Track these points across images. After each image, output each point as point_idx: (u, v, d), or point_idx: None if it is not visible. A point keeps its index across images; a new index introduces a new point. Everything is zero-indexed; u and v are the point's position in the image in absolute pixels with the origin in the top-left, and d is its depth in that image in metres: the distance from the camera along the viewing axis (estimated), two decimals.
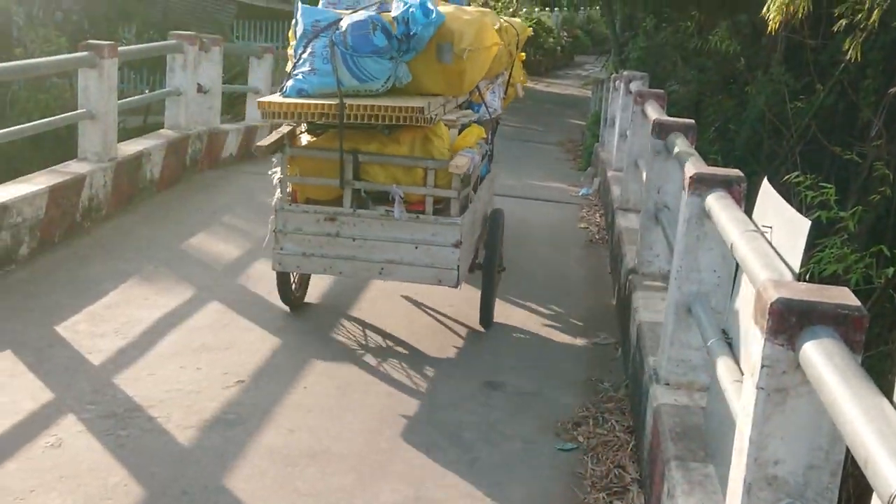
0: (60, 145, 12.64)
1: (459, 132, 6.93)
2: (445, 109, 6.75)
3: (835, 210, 8.95)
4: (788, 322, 2.69)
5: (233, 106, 16.95)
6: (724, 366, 3.69)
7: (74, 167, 8.76)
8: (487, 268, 7.13)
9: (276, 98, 6.37)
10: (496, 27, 7.55)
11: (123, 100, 10.56)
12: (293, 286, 7.16)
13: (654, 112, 7.82)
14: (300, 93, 6.30)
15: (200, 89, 11.89)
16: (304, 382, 5.82)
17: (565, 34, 46.24)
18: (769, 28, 10.70)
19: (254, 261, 8.30)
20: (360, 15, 6.40)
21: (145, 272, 7.68)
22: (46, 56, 13.52)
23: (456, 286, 6.60)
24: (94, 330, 6.35)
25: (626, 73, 12.40)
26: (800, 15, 10.35)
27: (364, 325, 6.94)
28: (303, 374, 5.95)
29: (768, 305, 2.72)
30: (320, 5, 7.02)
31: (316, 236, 6.57)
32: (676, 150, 5.93)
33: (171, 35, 11.68)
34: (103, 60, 8.98)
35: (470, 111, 7.55)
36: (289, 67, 6.67)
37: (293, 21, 6.79)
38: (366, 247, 6.53)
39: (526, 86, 9.78)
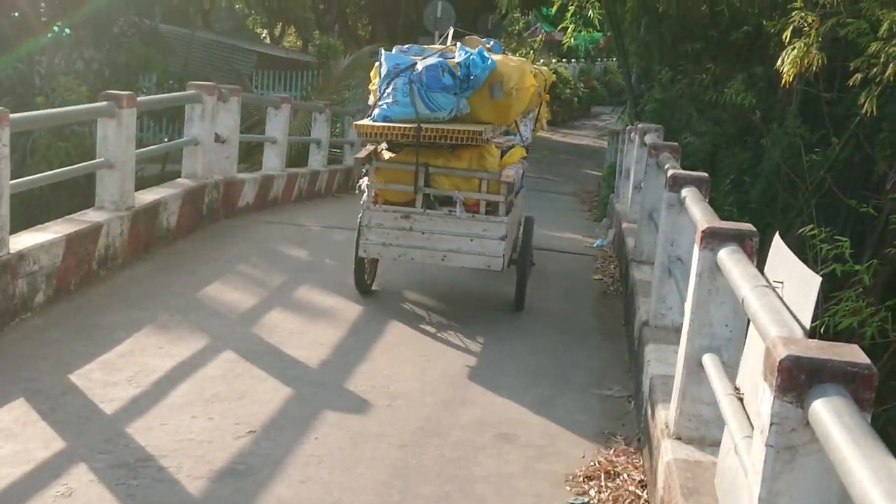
0: (80, 192, 12.75)
1: (503, 153, 8.96)
2: (495, 134, 8.86)
3: (850, 263, 8.94)
4: (798, 379, 2.69)
5: (250, 155, 17.08)
6: (734, 422, 3.67)
7: (92, 215, 8.82)
8: (521, 263, 9.12)
9: (368, 122, 8.48)
10: (532, 72, 9.53)
11: (142, 149, 10.66)
12: (366, 276, 9.12)
13: (668, 164, 7.84)
14: (385, 119, 8.40)
15: (218, 139, 12.00)
16: (316, 433, 5.81)
17: (582, 85, 46.54)
18: (784, 81, 10.74)
19: (268, 310, 8.33)
20: (432, 60, 8.51)
21: (160, 321, 7.70)
22: (67, 105, 13.66)
23: (501, 270, 8.72)
24: (108, 378, 6.36)
25: (641, 124, 12.45)
26: (814, 68, 10.41)
27: (376, 375, 6.94)
28: (315, 424, 5.94)
29: (777, 362, 2.72)
30: (394, 51, 9.01)
31: (393, 230, 8.65)
32: (689, 203, 5.94)
33: (190, 85, 11.80)
34: (122, 110, 9.07)
35: (511, 136, 9.59)
36: (371, 100, 8.98)
37: (377, 63, 8.83)
38: (433, 239, 8.61)
39: (543, 136, 12.05)
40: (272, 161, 14.50)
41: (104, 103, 9.07)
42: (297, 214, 13.53)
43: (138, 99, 9.72)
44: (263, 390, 6.44)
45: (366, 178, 8.80)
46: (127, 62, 19.55)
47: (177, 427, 5.71)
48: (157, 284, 8.77)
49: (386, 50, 8.95)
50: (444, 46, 9.37)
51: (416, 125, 8.24)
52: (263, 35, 37.87)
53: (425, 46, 9.53)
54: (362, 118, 8.99)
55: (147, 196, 10.03)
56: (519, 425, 6.25)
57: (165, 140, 19.91)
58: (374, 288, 9.28)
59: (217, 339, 7.40)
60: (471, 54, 8.61)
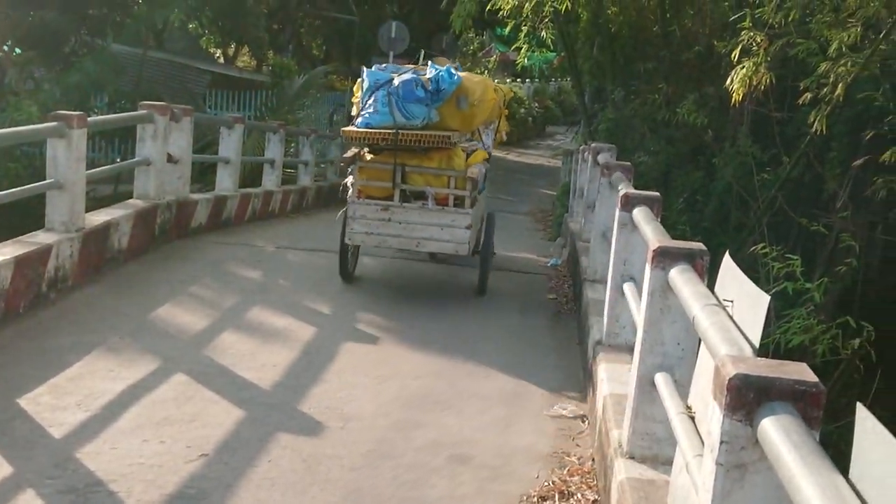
0: (31, 213, 12.60)
1: (468, 155, 10.53)
2: (461, 140, 10.48)
3: (801, 281, 9.02)
4: (746, 398, 2.69)
5: (203, 175, 16.97)
6: (686, 440, 3.68)
7: (41, 237, 8.70)
8: (484, 253, 10.78)
9: (354, 128, 10.00)
10: (493, 88, 11.21)
11: (93, 169, 10.53)
12: (350, 264, 10.66)
13: (621, 184, 7.88)
14: (368, 125, 9.90)
15: (171, 159, 11.91)
16: (269, 456, 5.75)
17: (536, 105, 46.75)
18: (733, 100, 10.85)
19: (220, 332, 8.27)
20: (406, 76, 10.00)
21: (110, 343, 7.61)
22: (17, 125, 13.50)
23: (468, 254, 10.31)
24: (57, 402, 6.27)
25: (594, 144, 12.53)
26: (762, 87, 10.52)
27: (329, 397, 6.90)
28: (267, 447, 5.88)
29: (726, 381, 2.73)
30: (373, 67, 10.42)
31: (374, 221, 10.10)
32: (641, 223, 5.97)
33: (142, 105, 11.70)
34: (72, 130, 8.97)
35: (475, 143, 11.11)
36: (354, 111, 10.37)
37: (360, 79, 10.35)
38: (408, 228, 10.09)
39: (498, 156, 12.31)
40: (225, 181, 14.43)
41: (53, 123, 8.96)
42: (251, 235, 13.45)
43: (89, 119, 9.62)
44: (215, 413, 6.37)
45: (351, 177, 10.27)
46: (78, 82, 19.38)
47: (127, 451, 5.63)
48: (107, 307, 8.67)
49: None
50: (416, 65, 10.77)
51: (394, 131, 9.77)
52: (217, 55, 37.70)
53: (399, 66, 11.00)
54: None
55: (98, 217, 9.92)
56: (473, 446, 6.24)
57: (117, 160, 19.76)
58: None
59: (168, 361, 7.32)
60: (440, 71, 10.17)
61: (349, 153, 10.21)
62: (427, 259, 12.30)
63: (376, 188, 10.20)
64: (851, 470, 2.44)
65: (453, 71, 10.31)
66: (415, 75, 10.01)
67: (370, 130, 9.81)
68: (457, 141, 10.13)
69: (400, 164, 9.98)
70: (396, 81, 9.90)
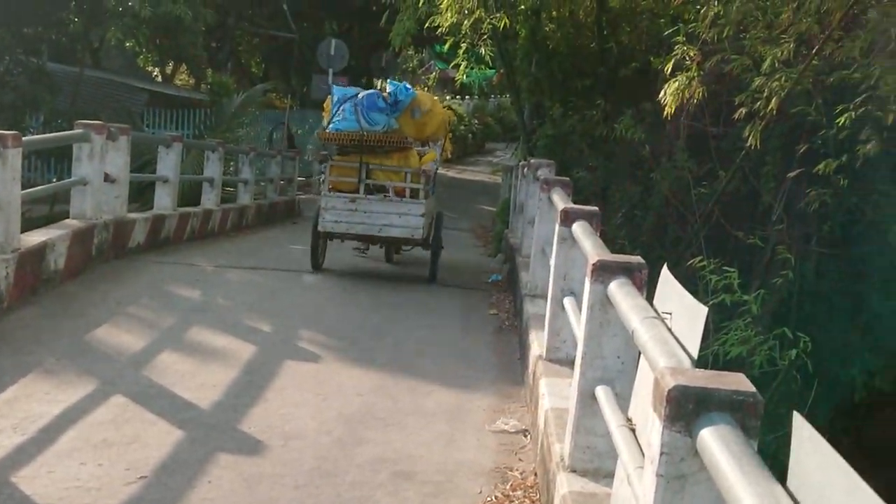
0: None
1: (421, 157, 12.79)
2: (415, 143, 12.95)
3: (738, 293, 9.12)
4: (685, 409, 2.71)
5: (142, 194, 16.80)
6: (627, 452, 3.70)
7: None
8: (435, 244, 12.89)
9: (327, 132, 12.31)
10: (442, 106, 14.55)
11: (28, 189, 10.38)
12: (320, 256, 12.71)
13: (560, 199, 7.92)
14: (338, 130, 12.22)
15: (108, 178, 11.78)
16: (209, 476, 5.69)
17: (476, 121, 46.92)
18: (665, 113, 10.97)
19: (159, 352, 8.18)
20: (369, 91, 12.73)
21: (47, 365, 7.49)
22: None
23: (421, 238, 12.39)
24: None
25: (533, 160, 12.60)
26: (696, 101, 10.64)
27: (270, 415, 6.84)
28: (207, 467, 5.82)
29: (666, 392, 2.75)
30: (334, 90, 12.97)
31: (343, 211, 12.20)
32: (580, 237, 6.00)
33: (78, 124, 11.57)
34: (6, 150, 8.83)
35: (426, 148, 13.39)
36: (325, 121, 12.75)
37: (330, 94, 12.93)
38: (371, 217, 12.20)
39: (439, 173, 14.86)
40: (164, 200, 14.30)
41: None
42: (190, 254, 13.35)
43: (24, 138, 9.49)
44: (155, 434, 6.29)
45: (323, 174, 12.81)
46: (13, 101, 19.16)
47: (64, 474, 5.54)
48: (44, 328, 8.54)
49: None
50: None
51: (359, 134, 12.03)
52: (155, 73, 37.44)
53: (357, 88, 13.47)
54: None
55: (33, 238, 9.78)
56: (416, 462, 6.22)
57: (53, 180, 19.52)
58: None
59: (106, 382, 7.22)
60: (398, 86, 12.98)
61: (319, 154, 13.18)
62: (372, 275, 12.42)
63: (345, 183, 12.39)
64: (789, 479, 2.46)
65: (408, 87, 13.14)
66: (376, 91, 12.87)
67: (340, 133, 12.14)
68: (411, 143, 12.62)
69: (364, 163, 12.25)
70: (361, 94, 12.44)
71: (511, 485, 5.90)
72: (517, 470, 6.16)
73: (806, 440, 2.43)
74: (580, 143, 16.53)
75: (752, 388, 2.72)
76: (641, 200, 13.94)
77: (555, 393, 6.03)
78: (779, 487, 2.27)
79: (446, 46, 20.42)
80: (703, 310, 3.50)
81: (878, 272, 10.74)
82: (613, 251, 5.26)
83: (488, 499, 5.70)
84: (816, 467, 2.35)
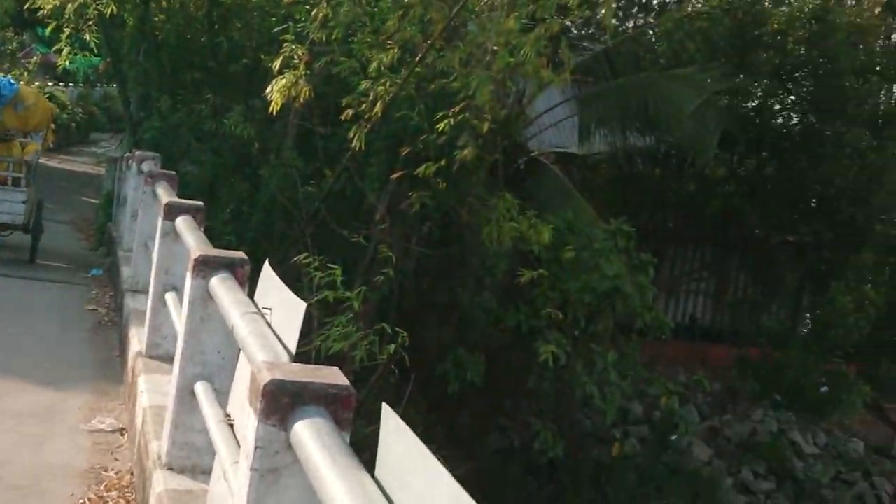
0: None
1: (23, 148, 13.55)
2: (18, 135, 13.60)
3: (341, 290, 9.33)
4: (280, 403, 2.74)
5: None
6: (224, 448, 3.68)
7: None
8: (35, 228, 13.32)
9: None
10: (45, 99, 15.48)
11: None
12: None
13: (164, 193, 7.77)
14: None
15: None
16: None
17: (81, 110, 44.99)
18: (271, 109, 11.04)
19: None
20: None
21: None
22: None
23: (23, 223, 12.98)
24: None
25: (139, 152, 12.28)
26: (303, 99, 10.79)
27: None
28: None
29: (262, 387, 2.76)
30: None
31: None
32: (183, 232, 5.92)
33: None
34: None
35: (28, 139, 13.99)
36: None
37: None
38: None
39: (41, 163, 15.60)
40: None
41: None
42: None
43: None
44: None
45: None
46: None
47: None
48: None
49: None
50: None
51: None
52: None
53: None
54: None
55: None
56: (2, 467, 5.87)
57: None
58: None
59: None
60: (1, 81, 13.54)
61: None
62: None
63: None
64: (377, 467, 2.55)
65: (12, 81, 14.07)
66: None
67: None
68: (14, 135, 13.35)
69: None
70: None
71: (105, 485, 5.72)
72: (113, 470, 5.98)
73: (392, 430, 2.53)
74: (188, 136, 16.19)
75: (346, 382, 2.80)
76: (250, 197, 13.91)
77: (154, 390, 5.90)
78: (367, 476, 2.35)
79: (48, 30, 19.39)
80: (302, 305, 3.56)
81: (471, 272, 11.37)
82: (220, 247, 5.24)
83: (81, 501, 5.50)
84: (401, 454, 2.45)
